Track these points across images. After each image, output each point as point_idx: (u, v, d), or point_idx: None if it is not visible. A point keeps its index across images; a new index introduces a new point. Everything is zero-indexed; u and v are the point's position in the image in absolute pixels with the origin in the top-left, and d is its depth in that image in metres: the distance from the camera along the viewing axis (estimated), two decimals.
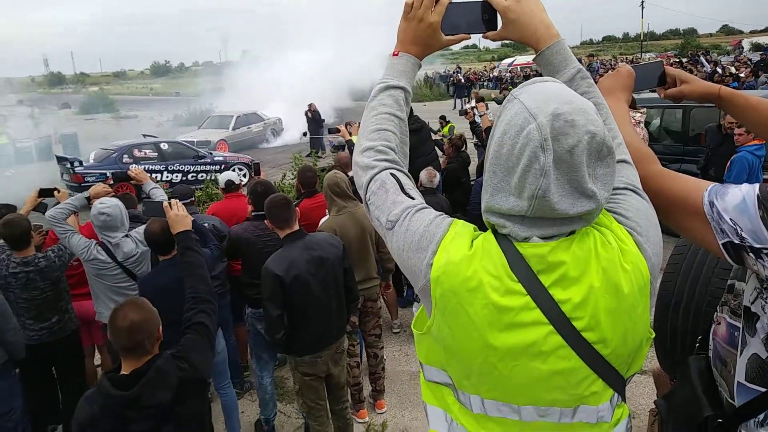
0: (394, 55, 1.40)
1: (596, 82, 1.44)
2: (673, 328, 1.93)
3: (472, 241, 1.14)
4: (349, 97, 26.00)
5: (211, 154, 14.80)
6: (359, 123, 5.20)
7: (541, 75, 1.30)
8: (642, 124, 7.51)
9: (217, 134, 19.17)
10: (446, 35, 1.36)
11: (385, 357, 4.60)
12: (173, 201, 2.79)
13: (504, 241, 1.11)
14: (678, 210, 1.28)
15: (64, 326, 3.96)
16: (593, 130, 1.02)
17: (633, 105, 7.15)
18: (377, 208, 1.27)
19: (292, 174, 8.55)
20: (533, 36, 1.33)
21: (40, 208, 4.33)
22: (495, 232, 1.14)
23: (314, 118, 18.49)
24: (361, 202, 3.84)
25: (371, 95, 1.40)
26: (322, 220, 4.33)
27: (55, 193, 4.28)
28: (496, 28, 1.36)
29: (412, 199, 1.25)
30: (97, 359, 4.85)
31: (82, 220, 4.54)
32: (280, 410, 4.48)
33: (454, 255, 1.12)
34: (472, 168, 7.79)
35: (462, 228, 1.18)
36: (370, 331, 4.41)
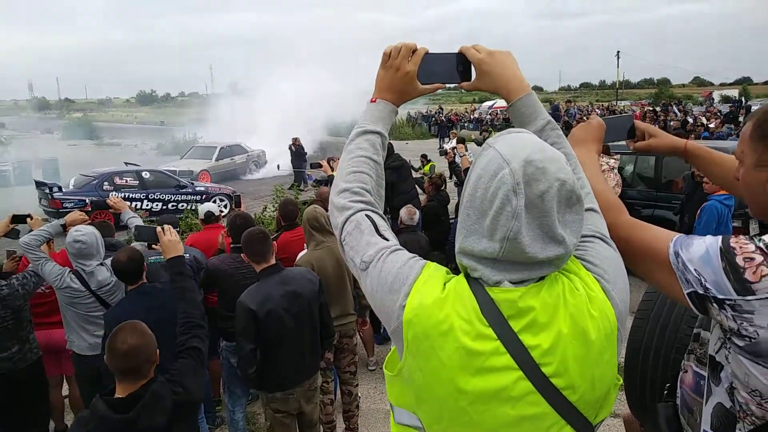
0: (372, 101, 1.45)
1: (573, 127, 1.49)
2: (643, 375, 1.95)
3: (445, 284, 1.16)
4: (330, 132, 26.33)
5: (192, 184, 14.80)
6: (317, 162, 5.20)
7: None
8: (615, 170, 7.71)
9: (200, 164, 19.24)
10: (422, 84, 1.42)
11: (359, 395, 4.55)
12: (166, 227, 2.80)
13: (476, 284, 1.13)
14: (645, 259, 1.31)
15: (25, 356, 3.86)
16: (563, 177, 1.07)
17: (606, 151, 7.30)
18: (352, 248, 1.29)
19: (273, 206, 8.58)
20: (505, 87, 1.39)
21: (12, 234, 4.27)
22: (467, 276, 1.16)
23: (298, 152, 18.68)
24: None
25: (349, 139, 1.44)
26: (300, 254, 4.34)
27: (28, 219, 4.23)
28: (470, 79, 1.43)
29: (387, 240, 1.27)
30: (65, 390, 4.71)
31: (56, 247, 4.49)
32: None
33: (426, 298, 1.14)
34: (452, 206, 7.90)
35: (435, 271, 1.20)
36: (345, 368, 4.37)
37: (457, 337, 1.09)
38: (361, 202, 1.33)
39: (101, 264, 3.80)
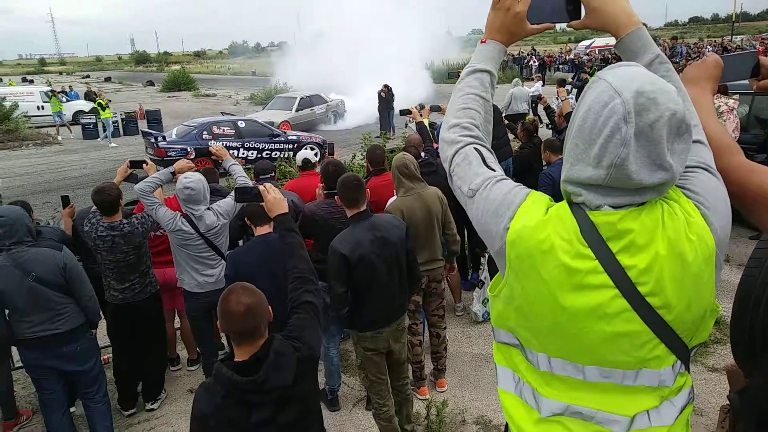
0: (482, 42, 1.51)
1: (683, 66, 1.42)
2: (754, 323, 1.87)
3: (547, 209, 1.22)
4: (423, 82, 25.60)
5: (285, 133, 15.20)
6: (430, 106, 5.19)
7: (620, 59, 1.35)
8: (736, 111, 7.09)
9: (281, 115, 19.28)
10: (531, 24, 1.44)
11: (447, 338, 4.67)
12: (267, 185, 2.77)
13: (577, 209, 1.19)
14: (762, 204, 1.27)
15: (144, 289, 4.26)
16: (674, 108, 1.08)
17: (724, 91, 6.75)
18: (460, 178, 1.38)
19: (362, 154, 8.67)
20: (614, 23, 1.38)
21: (131, 179, 4.61)
22: (570, 202, 1.22)
23: (386, 99, 18.50)
24: (429, 185, 3.86)
25: (459, 78, 1.53)
26: (390, 201, 4.41)
27: (144, 165, 4.55)
28: (580, 17, 1.42)
29: (494, 171, 1.35)
30: (177, 323, 5.17)
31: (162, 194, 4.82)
32: (344, 382, 4.66)
33: (529, 220, 1.21)
34: None
35: (538, 197, 1.27)
36: (433, 311, 4.48)
37: (558, 255, 1.17)
38: (470, 136, 1.42)
39: (208, 209, 4.07)
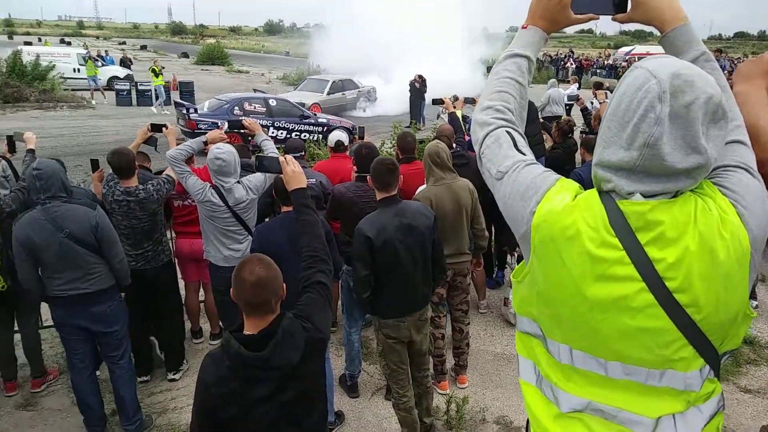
0: (523, 27, 1.48)
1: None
2: None
3: (576, 196, 1.20)
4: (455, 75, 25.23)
5: (315, 115, 15.19)
6: (465, 98, 5.08)
7: None
8: None
9: (312, 97, 19.16)
10: (575, 14, 1.41)
11: (470, 334, 4.60)
12: (288, 157, 2.69)
13: (606, 197, 1.16)
14: None
15: (157, 256, 4.29)
16: (711, 92, 1.05)
17: None
18: (489, 160, 1.36)
19: (391, 142, 8.61)
20: (660, 17, 1.35)
21: (151, 141, 4.62)
22: (599, 190, 1.19)
23: (419, 89, 18.36)
24: (460, 176, 3.76)
25: (497, 61, 1.50)
26: (419, 189, 4.34)
27: (164, 129, 4.56)
28: (626, 11, 1.38)
29: (524, 155, 1.32)
30: (202, 296, 5.17)
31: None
32: (364, 369, 4.63)
33: (556, 205, 1.19)
34: (579, 156, 7.44)
35: (568, 183, 1.24)
36: (457, 305, 4.41)
37: (583, 242, 1.14)
38: (503, 119, 1.40)
39: (238, 182, 4.04)
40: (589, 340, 1.18)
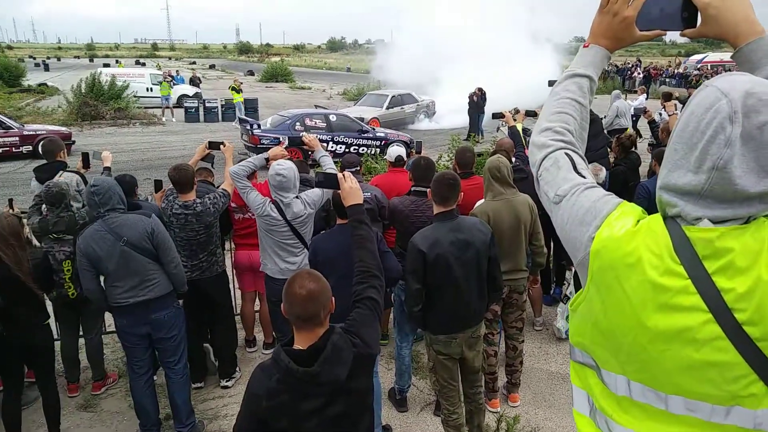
0: (584, 46, 1.43)
1: None
2: None
3: (638, 221, 1.13)
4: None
5: (373, 129, 15.38)
6: (526, 111, 5.02)
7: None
8: None
9: (371, 112, 19.47)
10: (641, 30, 1.34)
11: (524, 351, 4.51)
12: (346, 174, 2.79)
13: (671, 223, 1.09)
14: None
15: (211, 267, 4.45)
16: None
17: None
18: (547, 183, 1.31)
19: (448, 156, 8.59)
20: (733, 32, 1.25)
21: (208, 159, 4.80)
22: (664, 215, 1.12)
23: (477, 102, 18.28)
24: (519, 191, 3.70)
25: (557, 81, 1.45)
26: (478, 203, 4.31)
27: (222, 146, 4.74)
28: (695, 25, 1.29)
29: (584, 177, 1.27)
30: (257, 306, 5.32)
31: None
32: (414, 384, 4.61)
33: (617, 230, 1.12)
34: (643, 170, 7.16)
35: (630, 208, 1.17)
36: (512, 323, 4.33)
37: (644, 270, 1.08)
38: (562, 141, 1.35)
39: (297, 197, 4.14)
40: (649, 372, 1.11)
